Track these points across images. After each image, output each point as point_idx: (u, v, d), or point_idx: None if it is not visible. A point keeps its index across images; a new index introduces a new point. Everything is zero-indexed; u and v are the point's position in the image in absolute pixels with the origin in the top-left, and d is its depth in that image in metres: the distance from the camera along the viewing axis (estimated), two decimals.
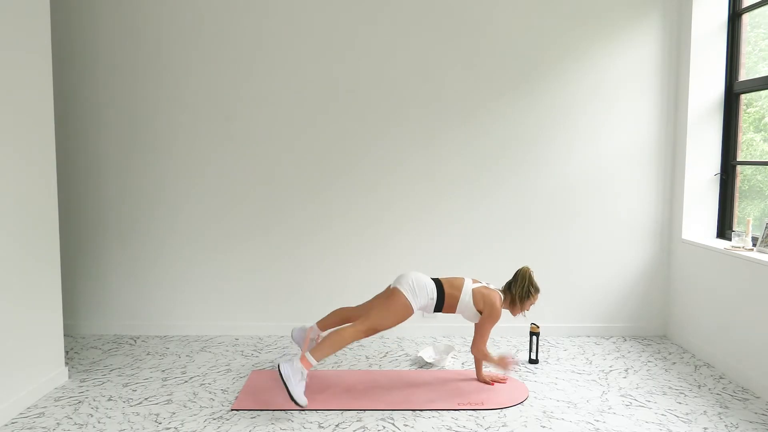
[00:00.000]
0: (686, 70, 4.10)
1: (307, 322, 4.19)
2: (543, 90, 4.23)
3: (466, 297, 3.27)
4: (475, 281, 3.36)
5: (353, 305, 3.61)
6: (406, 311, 3.18)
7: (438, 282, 3.31)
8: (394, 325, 3.20)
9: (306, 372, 3.04)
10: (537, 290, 3.37)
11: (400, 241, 4.31)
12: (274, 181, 4.26)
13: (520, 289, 3.31)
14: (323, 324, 3.47)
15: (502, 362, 3.34)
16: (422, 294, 3.22)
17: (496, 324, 3.35)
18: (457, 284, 3.32)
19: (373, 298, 3.41)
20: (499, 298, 3.30)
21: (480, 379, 3.42)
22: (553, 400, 3.24)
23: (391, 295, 3.21)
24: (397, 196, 4.28)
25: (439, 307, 3.30)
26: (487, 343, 3.38)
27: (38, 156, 3.20)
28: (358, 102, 4.22)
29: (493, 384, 3.39)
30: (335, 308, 3.53)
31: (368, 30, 4.18)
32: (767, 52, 3.92)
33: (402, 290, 3.19)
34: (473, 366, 3.71)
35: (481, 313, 3.29)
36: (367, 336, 3.17)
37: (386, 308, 3.17)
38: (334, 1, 4.16)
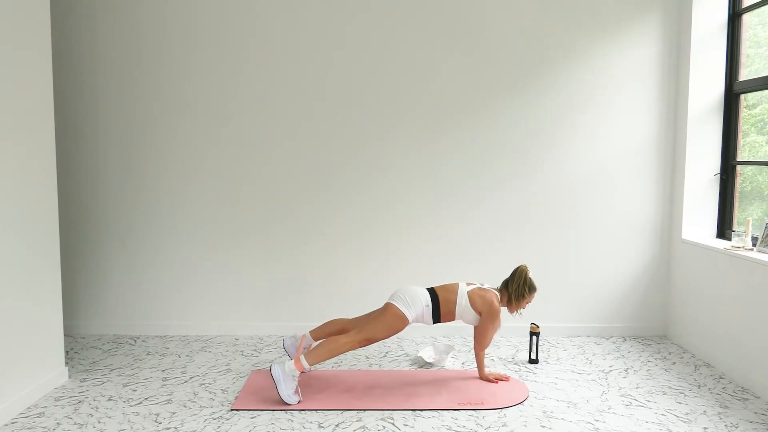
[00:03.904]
0: (686, 70, 4.10)
1: (308, 321, 4.20)
2: (543, 89, 4.23)
3: (463, 301, 3.27)
4: (469, 284, 3.37)
5: (348, 317, 3.62)
6: (401, 322, 3.20)
7: (432, 290, 3.32)
8: (389, 335, 3.23)
9: (298, 374, 3.09)
10: (533, 289, 3.35)
11: (401, 240, 4.31)
12: (274, 181, 4.26)
13: (516, 287, 3.31)
14: (317, 334, 3.48)
15: (492, 376, 3.40)
16: (416, 303, 3.23)
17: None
18: (452, 289, 3.32)
19: (368, 312, 3.46)
20: (495, 297, 3.30)
21: (482, 377, 3.40)
22: (553, 400, 3.24)
23: (385, 308, 3.25)
24: (398, 196, 4.28)
25: (437, 316, 3.30)
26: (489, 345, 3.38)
27: (38, 156, 3.20)
28: (357, 102, 4.22)
29: (497, 382, 3.38)
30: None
31: (367, 29, 4.18)
32: None
33: (395, 303, 3.22)
34: (473, 366, 3.71)
35: (480, 314, 3.28)
36: (362, 346, 3.21)
37: (381, 320, 3.21)
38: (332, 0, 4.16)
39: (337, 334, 3.46)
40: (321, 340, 3.34)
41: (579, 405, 3.17)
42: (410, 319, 3.22)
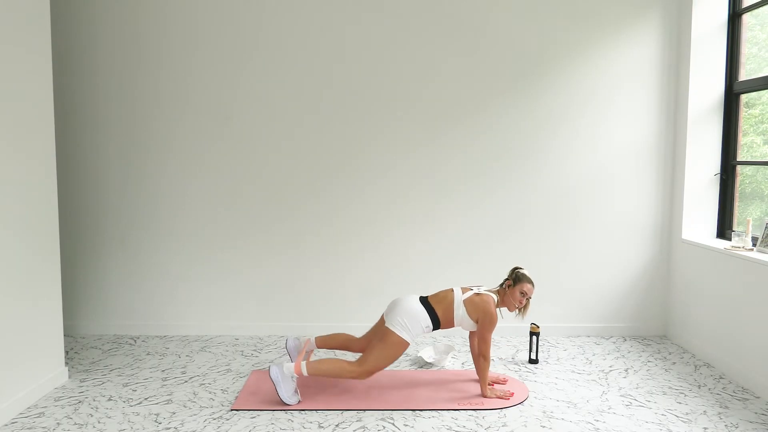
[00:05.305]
0: (686, 70, 4.10)
1: (307, 321, 4.20)
2: (543, 90, 4.23)
3: (460, 311, 3.22)
4: (465, 289, 3.29)
5: (354, 334, 3.55)
6: (403, 347, 3.15)
7: (429, 306, 3.22)
8: (394, 361, 3.18)
9: (296, 376, 3.10)
10: (521, 278, 3.24)
11: (400, 240, 4.31)
12: (273, 181, 4.26)
13: (507, 283, 3.27)
14: (322, 342, 3.44)
15: (494, 395, 3.26)
16: (415, 326, 3.16)
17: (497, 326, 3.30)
18: (449, 300, 3.24)
19: (369, 333, 3.38)
20: (492, 301, 3.22)
21: (484, 395, 3.25)
22: (553, 400, 3.24)
23: (384, 336, 3.15)
24: (397, 196, 4.28)
25: (436, 328, 3.26)
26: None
27: (38, 156, 3.20)
28: (357, 102, 4.22)
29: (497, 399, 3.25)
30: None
31: (367, 29, 4.18)
32: None
33: (394, 330, 3.13)
34: (473, 366, 3.70)
35: (477, 321, 3.23)
36: (367, 378, 3.16)
37: (383, 350, 3.13)
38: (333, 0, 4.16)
39: (342, 347, 3.43)
40: (327, 358, 3.29)
41: (579, 405, 3.17)
42: (410, 341, 3.17)
